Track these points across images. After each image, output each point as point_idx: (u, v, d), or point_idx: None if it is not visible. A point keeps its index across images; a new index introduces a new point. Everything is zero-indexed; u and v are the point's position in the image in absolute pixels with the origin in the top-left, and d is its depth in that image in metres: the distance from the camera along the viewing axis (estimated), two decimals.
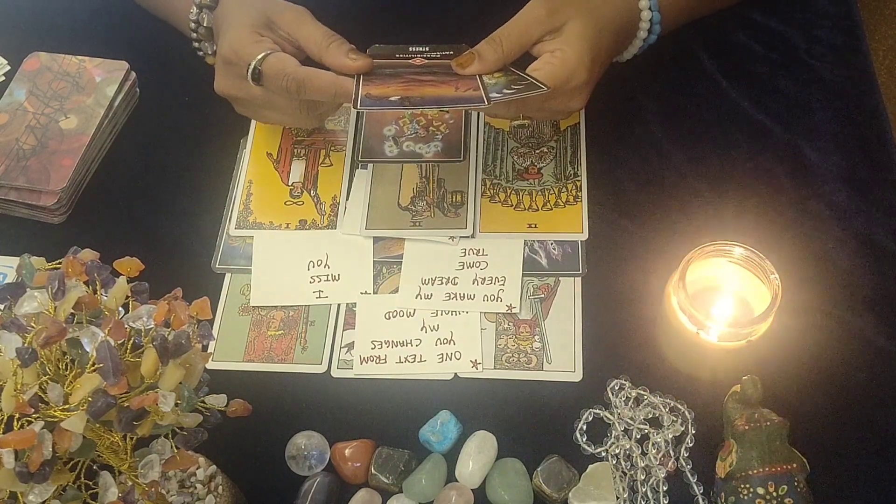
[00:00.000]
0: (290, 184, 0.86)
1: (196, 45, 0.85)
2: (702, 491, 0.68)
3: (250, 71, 0.75)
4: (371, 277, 0.80)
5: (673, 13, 0.83)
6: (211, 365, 0.75)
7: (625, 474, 0.69)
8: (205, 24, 0.83)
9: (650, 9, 0.80)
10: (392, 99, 0.71)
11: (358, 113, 0.90)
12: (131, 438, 0.55)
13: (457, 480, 0.70)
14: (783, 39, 0.92)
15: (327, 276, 0.80)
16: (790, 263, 0.76)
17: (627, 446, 0.70)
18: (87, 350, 0.52)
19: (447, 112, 0.88)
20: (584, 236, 0.81)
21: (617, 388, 0.73)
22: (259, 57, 0.75)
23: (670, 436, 0.70)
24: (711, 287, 0.72)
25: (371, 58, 0.75)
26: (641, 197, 0.83)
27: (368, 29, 0.95)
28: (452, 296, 0.78)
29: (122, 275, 0.57)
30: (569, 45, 0.73)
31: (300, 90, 0.74)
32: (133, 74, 0.91)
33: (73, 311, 0.54)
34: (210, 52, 0.84)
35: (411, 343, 0.76)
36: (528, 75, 0.73)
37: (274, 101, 0.78)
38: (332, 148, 0.88)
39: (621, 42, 0.81)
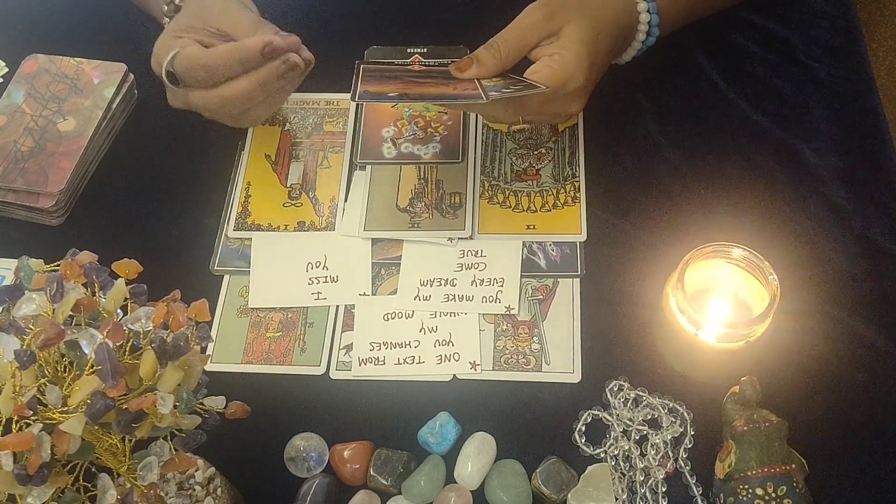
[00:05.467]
0: (288, 185, 0.86)
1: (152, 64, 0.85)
2: (701, 492, 0.68)
3: (164, 74, 0.75)
4: (370, 279, 0.80)
5: (671, 15, 0.83)
6: (209, 367, 0.75)
7: (624, 475, 0.69)
8: None
9: (648, 11, 0.80)
10: (391, 95, 0.71)
11: (356, 115, 0.90)
12: (130, 440, 0.55)
13: (456, 482, 0.70)
14: (781, 40, 0.92)
15: (326, 277, 0.80)
16: (788, 264, 0.76)
17: (626, 447, 0.70)
18: (86, 352, 0.52)
19: (445, 114, 0.88)
20: (583, 237, 0.81)
21: (616, 389, 0.73)
22: (168, 58, 0.75)
23: (669, 437, 0.70)
24: (710, 288, 0.72)
25: (297, 39, 0.74)
26: (640, 198, 0.83)
27: (366, 30, 0.95)
28: (451, 297, 0.78)
29: (120, 277, 0.57)
30: (567, 49, 0.74)
31: (209, 74, 0.74)
32: (131, 76, 0.91)
33: (71, 313, 0.54)
34: None
35: (410, 344, 0.76)
36: (527, 79, 0.73)
37: (196, 101, 0.77)
38: (331, 149, 0.88)
39: (620, 45, 0.81)
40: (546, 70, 0.73)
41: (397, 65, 0.78)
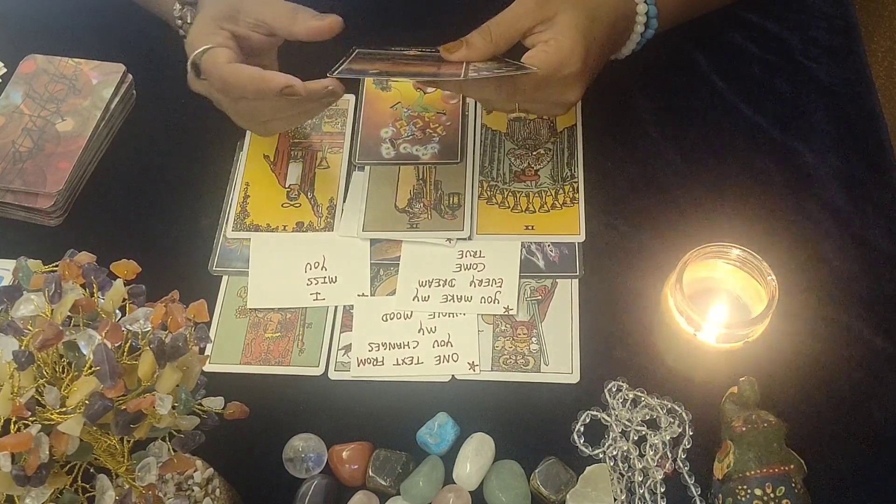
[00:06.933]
0: (287, 186, 0.86)
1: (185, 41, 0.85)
2: (699, 492, 0.68)
3: (189, 65, 0.76)
4: (368, 279, 0.80)
5: (669, 7, 0.83)
6: (208, 367, 0.75)
7: (622, 476, 0.69)
8: (188, 21, 0.83)
9: (645, 2, 0.80)
10: (371, 71, 0.71)
11: (355, 115, 0.89)
12: (128, 441, 0.55)
13: (454, 482, 0.70)
14: (779, 41, 0.92)
15: (324, 278, 0.80)
16: (787, 265, 0.76)
17: (625, 448, 0.70)
18: (84, 353, 0.52)
19: (444, 114, 0.88)
20: (581, 238, 0.81)
21: (614, 389, 0.73)
22: (199, 51, 0.75)
23: (668, 437, 0.70)
24: (708, 288, 0.72)
25: (339, 18, 0.75)
26: (638, 199, 0.83)
27: (366, 30, 0.95)
28: (450, 298, 0.78)
29: (118, 277, 0.57)
30: (562, 34, 0.74)
31: (226, 87, 0.74)
32: (130, 77, 0.91)
33: (69, 313, 0.54)
34: None
35: (408, 345, 0.76)
36: (519, 62, 0.73)
37: (221, 101, 0.78)
38: (329, 150, 0.88)
39: (617, 36, 0.81)
40: (541, 55, 0.73)
41: (393, 51, 0.78)
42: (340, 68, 0.71)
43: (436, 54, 0.76)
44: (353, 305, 0.79)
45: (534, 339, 0.76)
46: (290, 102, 0.75)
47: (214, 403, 0.58)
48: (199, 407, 0.56)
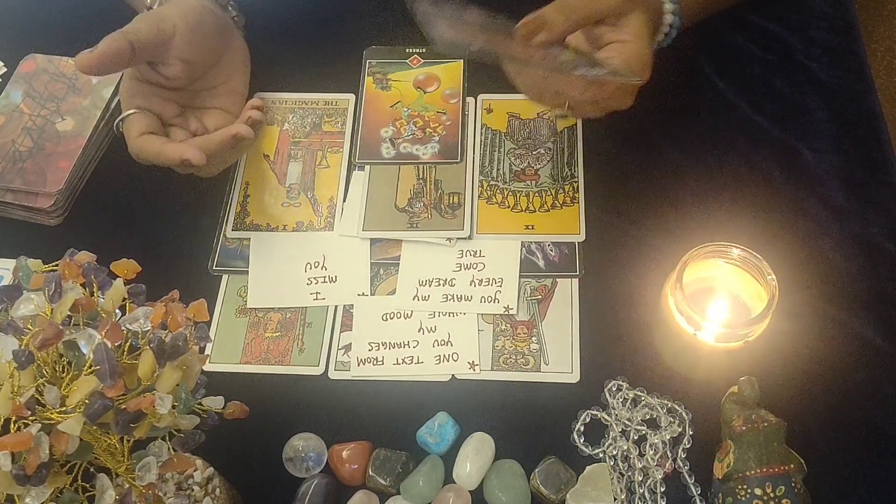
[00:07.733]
0: (287, 185, 0.86)
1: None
2: (699, 492, 0.68)
3: (115, 127, 0.80)
4: (368, 279, 0.80)
5: (689, 14, 0.82)
6: (208, 367, 0.75)
7: (622, 475, 0.69)
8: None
9: (673, 13, 0.80)
10: (472, 48, 0.65)
11: (355, 115, 0.89)
12: (128, 441, 0.55)
13: (454, 482, 0.70)
14: (779, 41, 0.92)
15: (324, 277, 0.80)
16: (787, 264, 0.76)
17: (625, 447, 0.70)
18: (84, 352, 0.52)
19: (444, 113, 0.88)
20: (582, 237, 0.81)
21: (614, 389, 0.73)
22: (118, 119, 0.79)
23: (668, 437, 0.70)
24: (708, 288, 0.72)
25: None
26: (638, 198, 0.83)
27: (366, 30, 0.95)
28: (450, 297, 0.78)
29: (118, 277, 0.57)
30: (639, 40, 0.71)
31: (138, 157, 0.77)
32: None
33: (69, 313, 0.54)
34: None
35: (408, 345, 0.76)
36: (607, 63, 0.69)
37: None
38: (329, 149, 0.88)
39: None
40: (621, 58, 0.70)
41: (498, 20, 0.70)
42: (439, 35, 0.62)
43: (505, 24, 0.68)
44: (353, 305, 0.79)
45: (534, 338, 0.76)
46: (217, 151, 0.78)
47: (214, 403, 0.58)
48: (199, 406, 0.56)
